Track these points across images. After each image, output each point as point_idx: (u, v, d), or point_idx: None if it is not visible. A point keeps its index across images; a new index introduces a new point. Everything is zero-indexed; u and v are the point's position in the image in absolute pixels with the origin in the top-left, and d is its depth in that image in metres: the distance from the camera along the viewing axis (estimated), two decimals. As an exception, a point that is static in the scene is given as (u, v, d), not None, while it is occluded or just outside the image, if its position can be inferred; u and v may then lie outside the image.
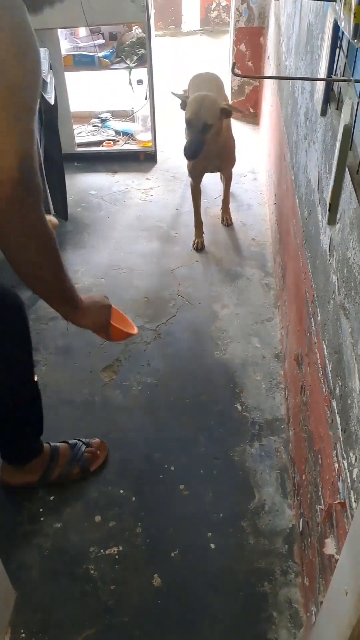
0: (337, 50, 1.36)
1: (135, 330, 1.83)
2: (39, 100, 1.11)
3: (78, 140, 4.29)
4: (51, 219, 1.57)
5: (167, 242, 3.36)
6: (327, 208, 1.12)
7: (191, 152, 2.76)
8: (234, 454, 2.16)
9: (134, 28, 4.28)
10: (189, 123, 2.79)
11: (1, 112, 1.00)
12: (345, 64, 1.31)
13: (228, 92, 4.81)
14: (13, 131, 1.03)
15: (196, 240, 3.29)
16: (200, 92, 2.89)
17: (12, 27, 1.00)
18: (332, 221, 1.15)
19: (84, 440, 2.10)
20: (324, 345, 1.51)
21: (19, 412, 1.86)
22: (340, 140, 0.98)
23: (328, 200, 1.10)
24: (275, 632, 1.65)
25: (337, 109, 1.40)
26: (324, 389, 1.48)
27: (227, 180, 3.41)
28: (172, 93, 2.93)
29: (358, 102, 1.10)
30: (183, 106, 2.89)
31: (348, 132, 0.97)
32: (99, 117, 4.59)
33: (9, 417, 1.85)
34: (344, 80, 1.18)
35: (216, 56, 6.27)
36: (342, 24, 1.09)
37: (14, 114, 1.02)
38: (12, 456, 1.96)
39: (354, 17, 0.97)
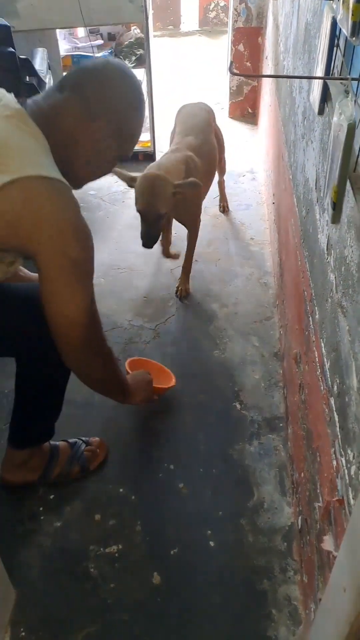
0: (335, 49, 1.37)
1: (173, 382, 2.28)
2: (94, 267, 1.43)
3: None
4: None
5: (166, 241, 3.36)
6: (332, 207, 1.12)
7: (149, 244, 2.48)
8: (233, 452, 2.16)
9: (132, 28, 4.30)
10: (141, 214, 2.47)
11: (67, 280, 1.35)
12: (342, 62, 1.32)
13: (226, 92, 4.84)
14: (77, 292, 1.39)
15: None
16: (150, 170, 2.48)
17: (74, 215, 1.35)
18: (336, 220, 1.16)
19: (83, 439, 2.11)
20: (322, 344, 1.51)
21: (50, 393, 1.86)
22: (345, 138, 0.99)
23: (331, 199, 1.11)
24: (274, 629, 1.65)
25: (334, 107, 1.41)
26: (322, 387, 1.49)
27: (188, 238, 2.91)
28: (114, 171, 2.38)
29: (355, 100, 1.11)
30: (130, 185, 2.51)
31: (352, 130, 0.97)
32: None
33: (38, 396, 1.85)
34: (342, 79, 1.19)
35: (215, 56, 6.29)
36: (340, 22, 1.10)
37: (77, 280, 1.37)
38: (26, 438, 1.94)
39: (352, 14, 0.97)
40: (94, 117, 1.40)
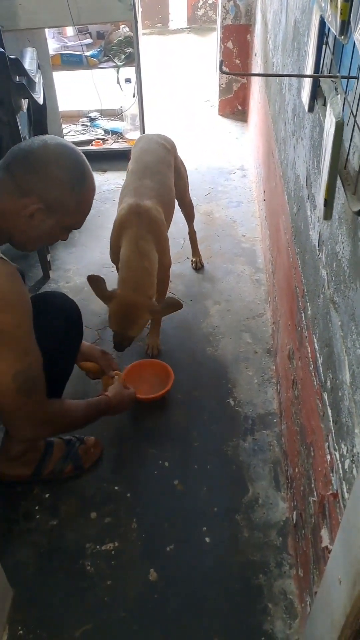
0: (324, 46, 1.38)
1: (169, 386, 2.32)
2: (32, 334, 1.49)
3: (67, 139, 4.28)
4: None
5: (158, 239, 3.36)
6: (323, 204, 1.13)
7: (121, 350, 2.37)
8: (228, 448, 2.17)
9: (121, 27, 4.29)
10: (115, 333, 2.33)
11: None
12: (331, 60, 1.32)
13: (216, 90, 4.84)
14: (3, 360, 1.43)
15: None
16: (124, 297, 2.24)
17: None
18: (328, 216, 1.17)
19: (78, 436, 2.11)
20: (315, 339, 1.52)
21: (50, 388, 1.86)
22: (333, 135, 1.00)
23: (322, 196, 1.11)
24: (270, 623, 1.67)
25: (324, 105, 1.42)
26: (315, 382, 1.50)
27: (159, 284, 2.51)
28: (90, 281, 2.24)
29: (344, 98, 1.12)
30: (105, 302, 2.31)
31: (340, 127, 0.98)
32: (87, 117, 4.59)
33: None
34: (331, 77, 1.19)
35: (204, 54, 6.29)
36: (328, 20, 1.11)
37: (4, 347, 1.42)
38: None
39: (341, 13, 0.98)
40: (23, 194, 1.45)
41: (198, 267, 3.16)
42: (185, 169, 2.93)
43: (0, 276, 1.41)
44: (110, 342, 2.57)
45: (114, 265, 3.15)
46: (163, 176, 2.62)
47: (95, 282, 2.23)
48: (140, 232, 2.32)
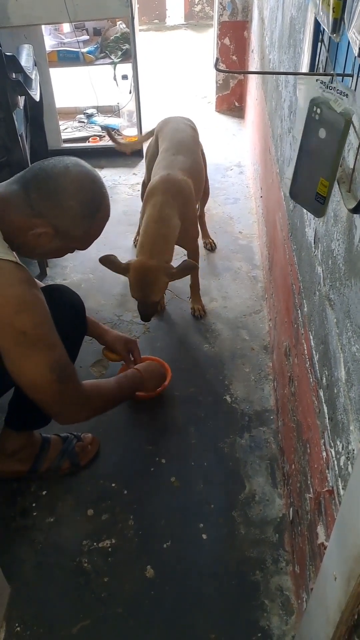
0: (319, 44, 1.38)
1: (166, 382, 2.30)
2: (53, 328, 1.50)
3: (64, 136, 4.29)
4: None
5: (155, 236, 3.36)
6: (320, 202, 1.13)
7: (147, 319, 2.46)
8: (224, 445, 2.18)
9: (118, 23, 4.28)
10: (138, 301, 2.42)
11: (21, 348, 1.44)
12: (327, 57, 1.32)
13: (213, 86, 4.84)
14: (33, 357, 1.47)
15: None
16: (140, 263, 2.33)
17: (15, 291, 1.42)
18: (322, 214, 1.17)
19: (75, 433, 2.12)
20: (311, 336, 1.53)
21: None
22: (340, 133, 0.99)
23: (317, 193, 1.12)
24: (267, 619, 1.67)
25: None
26: (311, 379, 1.50)
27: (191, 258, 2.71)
28: (106, 260, 2.37)
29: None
30: (123, 274, 2.41)
31: (348, 125, 0.98)
32: (84, 113, 4.59)
33: None
34: (326, 75, 1.19)
35: (201, 50, 6.29)
36: (321, 19, 1.11)
37: (30, 347, 1.45)
38: (23, 420, 1.97)
39: (333, 12, 0.98)
40: (35, 215, 1.47)
41: (212, 247, 3.29)
42: (204, 155, 2.99)
43: (15, 280, 1.42)
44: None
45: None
46: (195, 154, 2.72)
47: (108, 261, 2.34)
48: (165, 198, 2.39)
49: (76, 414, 1.67)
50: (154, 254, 2.33)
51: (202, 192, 2.84)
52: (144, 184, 2.94)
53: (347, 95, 0.98)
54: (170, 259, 2.40)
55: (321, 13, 1.09)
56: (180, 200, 2.42)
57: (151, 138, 2.94)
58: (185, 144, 2.70)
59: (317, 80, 1.03)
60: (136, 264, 2.33)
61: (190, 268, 2.37)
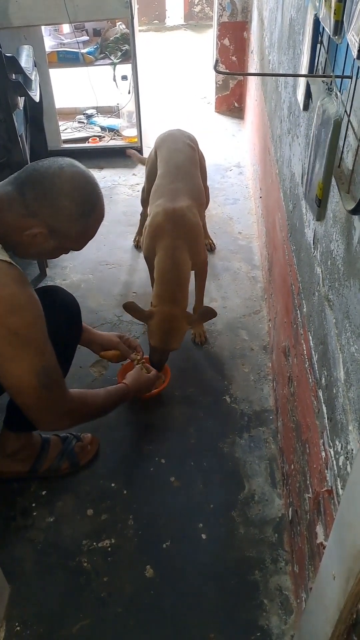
0: (318, 45, 1.38)
1: (166, 382, 2.37)
2: (45, 331, 1.51)
3: (64, 136, 4.29)
4: None
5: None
6: (317, 204, 1.13)
7: (161, 368, 2.36)
8: (224, 445, 2.18)
9: (117, 24, 4.29)
10: (155, 349, 2.34)
11: (11, 349, 1.45)
12: (326, 59, 1.33)
13: (212, 87, 4.84)
14: (23, 359, 1.47)
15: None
16: (163, 313, 2.29)
17: (10, 291, 1.43)
18: (321, 217, 1.17)
19: (75, 434, 2.12)
20: (310, 337, 1.53)
21: None
22: (330, 134, 1.00)
23: (316, 196, 1.12)
24: (266, 618, 1.68)
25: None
26: (310, 380, 1.51)
27: (198, 281, 2.71)
28: (128, 307, 2.30)
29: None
30: (145, 322, 2.36)
31: (338, 126, 0.99)
32: (84, 114, 4.59)
33: None
34: (325, 76, 1.20)
35: (200, 51, 6.29)
36: (322, 20, 1.11)
37: (20, 347, 1.45)
38: (22, 421, 1.94)
39: (334, 13, 0.99)
40: (30, 215, 1.47)
41: (212, 247, 3.28)
42: (204, 160, 2.96)
43: (8, 280, 1.43)
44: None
45: (110, 263, 3.18)
46: (194, 176, 2.67)
47: (131, 308, 2.29)
48: (176, 243, 2.36)
49: (57, 422, 1.67)
50: (174, 302, 2.33)
51: (205, 211, 2.79)
52: (144, 190, 2.94)
53: (336, 96, 0.98)
54: (187, 304, 2.40)
55: (322, 15, 1.09)
56: (190, 237, 2.40)
57: (151, 150, 2.89)
58: (184, 168, 2.64)
59: (322, 81, 1.04)
60: (159, 313, 2.30)
61: (209, 314, 2.34)
